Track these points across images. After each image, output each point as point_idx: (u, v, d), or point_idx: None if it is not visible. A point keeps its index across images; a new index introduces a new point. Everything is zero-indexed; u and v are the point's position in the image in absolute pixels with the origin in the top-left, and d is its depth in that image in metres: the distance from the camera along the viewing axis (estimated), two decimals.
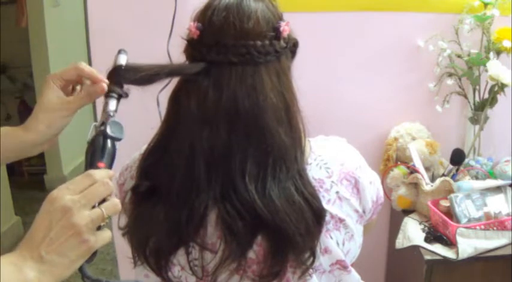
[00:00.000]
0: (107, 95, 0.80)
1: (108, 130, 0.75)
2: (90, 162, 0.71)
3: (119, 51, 0.84)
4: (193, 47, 0.83)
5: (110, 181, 0.67)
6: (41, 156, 3.75)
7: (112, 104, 0.80)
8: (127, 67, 0.81)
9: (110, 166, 0.73)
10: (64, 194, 0.63)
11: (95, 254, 0.66)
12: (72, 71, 0.80)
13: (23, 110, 3.83)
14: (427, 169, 1.66)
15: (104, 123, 0.76)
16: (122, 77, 0.80)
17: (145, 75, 0.80)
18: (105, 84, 0.79)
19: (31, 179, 3.85)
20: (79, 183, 0.65)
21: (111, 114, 0.78)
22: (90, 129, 0.77)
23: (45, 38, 3.35)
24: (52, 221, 0.62)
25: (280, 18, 0.84)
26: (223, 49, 0.79)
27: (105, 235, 0.65)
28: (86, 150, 0.74)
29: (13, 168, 3.68)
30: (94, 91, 0.80)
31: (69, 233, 0.62)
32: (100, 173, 0.67)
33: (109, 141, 0.74)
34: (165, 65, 0.81)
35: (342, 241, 0.85)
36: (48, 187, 3.77)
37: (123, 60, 0.83)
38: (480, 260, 1.41)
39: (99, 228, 0.65)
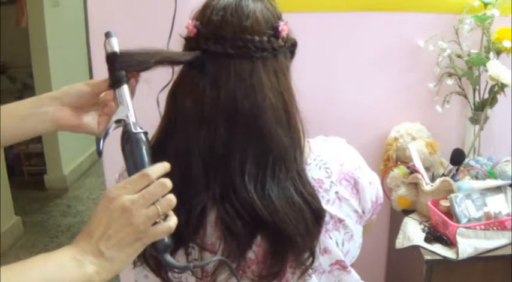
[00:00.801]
0: (117, 86, 0.77)
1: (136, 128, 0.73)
2: (135, 160, 0.71)
3: (107, 35, 0.78)
4: (190, 42, 0.83)
5: (167, 181, 0.68)
6: (41, 156, 3.75)
7: (127, 93, 0.77)
8: (122, 54, 0.78)
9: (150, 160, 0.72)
10: (122, 194, 0.66)
11: (166, 245, 0.70)
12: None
13: None
14: (427, 169, 1.66)
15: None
16: (119, 64, 0.77)
17: (139, 62, 0.77)
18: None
19: (31, 179, 3.85)
20: (137, 182, 0.67)
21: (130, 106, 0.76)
22: (116, 117, 0.74)
23: (45, 38, 3.35)
24: (111, 219, 0.65)
25: (279, 18, 0.84)
26: (221, 40, 0.79)
27: (158, 231, 0.68)
28: (121, 146, 0.72)
29: (13, 168, 3.68)
30: None
31: (127, 231, 0.65)
32: (156, 172, 0.69)
33: (143, 136, 0.72)
34: (159, 50, 0.80)
35: (342, 241, 0.85)
36: (48, 187, 3.78)
37: (115, 44, 0.78)
38: (480, 260, 1.41)
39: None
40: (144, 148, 0.72)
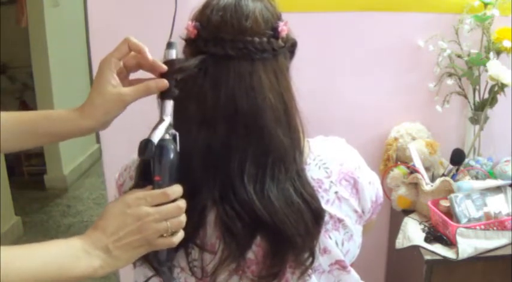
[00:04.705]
0: (164, 97, 0.78)
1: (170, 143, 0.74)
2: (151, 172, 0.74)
3: (169, 45, 0.80)
4: (191, 44, 0.83)
5: (183, 205, 0.74)
6: (41, 156, 3.75)
7: (170, 108, 0.77)
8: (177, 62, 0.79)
9: (173, 177, 0.74)
10: (141, 204, 0.72)
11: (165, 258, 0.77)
12: (123, 47, 0.82)
13: (23, 110, 3.83)
14: (427, 169, 1.66)
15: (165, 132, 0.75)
16: (176, 74, 0.78)
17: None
18: (166, 82, 0.78)
19: (31, 179, 3.85)
20: (157, 198, 0.72)
21: (171, 122, 0.77)
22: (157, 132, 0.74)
23: (45, 38, 3.35)
24: (125, 223, 0.71)
25: (279, 18, 0.84)
26: (221, 42, 0.79)
27: (161, 243, 0.73)
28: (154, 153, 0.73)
29: (13, 168, 3.67)
30: (155, 87, 0.78)
31: (136, 237, 0.71)
32: (175, 193, 0.73)
33: (172, 153, 0.74)
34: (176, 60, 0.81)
35: (341, 241, 0.85)
36: (48, 187, 3.78)
37: (172, 56, 0.80)
38: (480, 260, 1.41)
39: None
40: (174, 165, 0.74)
